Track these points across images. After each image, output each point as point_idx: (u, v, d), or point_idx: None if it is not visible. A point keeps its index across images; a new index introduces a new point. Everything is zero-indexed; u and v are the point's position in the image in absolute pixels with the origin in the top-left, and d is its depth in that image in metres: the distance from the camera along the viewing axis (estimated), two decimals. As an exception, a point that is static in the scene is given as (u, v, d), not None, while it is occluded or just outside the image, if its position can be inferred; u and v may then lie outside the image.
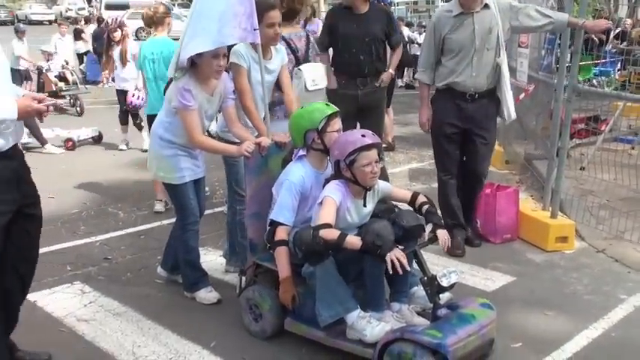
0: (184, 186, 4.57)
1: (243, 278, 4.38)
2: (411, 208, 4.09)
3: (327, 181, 3.93)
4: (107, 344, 4.12)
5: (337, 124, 4.05)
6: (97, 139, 10.91)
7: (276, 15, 4.64)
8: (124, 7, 33.01)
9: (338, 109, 4.09)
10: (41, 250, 5.58)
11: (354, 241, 3.56)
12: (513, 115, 5.58)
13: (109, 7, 35.74)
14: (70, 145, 10.47)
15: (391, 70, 6.84)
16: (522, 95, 7.74)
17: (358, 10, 6.37)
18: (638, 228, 5.75)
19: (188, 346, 4.09)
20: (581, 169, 7.49)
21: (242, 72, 4.60)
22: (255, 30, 4.40)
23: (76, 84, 14.17)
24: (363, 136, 3.78)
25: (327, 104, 4.13)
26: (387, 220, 3.76)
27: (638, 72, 8.41)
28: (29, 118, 5.16)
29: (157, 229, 6.41)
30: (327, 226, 3.63)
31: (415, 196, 4.12)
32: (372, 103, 6.57)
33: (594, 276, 5.16)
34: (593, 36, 10.33)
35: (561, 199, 6.01)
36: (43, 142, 10.17)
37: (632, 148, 8.12)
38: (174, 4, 35.62)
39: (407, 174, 8.59)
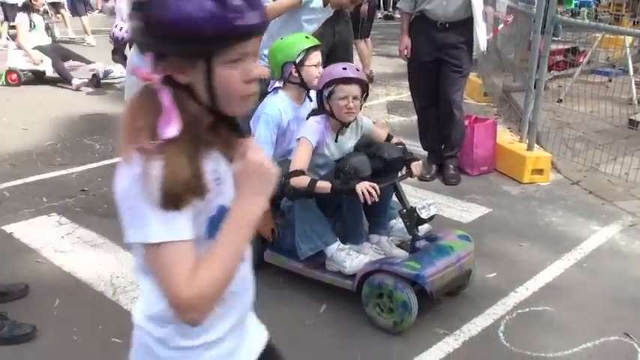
0: None
1: None
2: None
3: (311, 114, 3.86)
4: (85, 275, 4.12)
5: (316, 57, 3.97)
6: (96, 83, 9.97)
7: None
8: None
9: (319, 43, 4.01)
10: (17, 182, 5.66)
11: (324, 185, 3.53)
12: (482, 47, 5.56)
13: None
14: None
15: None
16: (501, 26, 7.69)
17: None
18: (613, 160, 5.81)
19: (167, 277, 4.11)
20: (558, 101, 7.51)
21: None
22: None
23: (47, 13, 13.81)
24: (344, 69, 3.70)
25: (307, 37, 4.05)
26: (364, 153, 3.75)
27: (617, 3, 8.34)
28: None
29: (133, 161, 6.35)
30: (299, 172, 3.59)
31: (390, 137, 4.09)
32: (345, 39, 6.01)
33: (568, 208, 5.23)
34: None
35: (538, 131, 6.04)
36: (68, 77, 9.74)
37: (610, 81, 8.12)
38: None
39: (385, 106, 8.56)
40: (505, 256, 4.41)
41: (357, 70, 3.74)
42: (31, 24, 9.82)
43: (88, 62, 9.90)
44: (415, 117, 6.19)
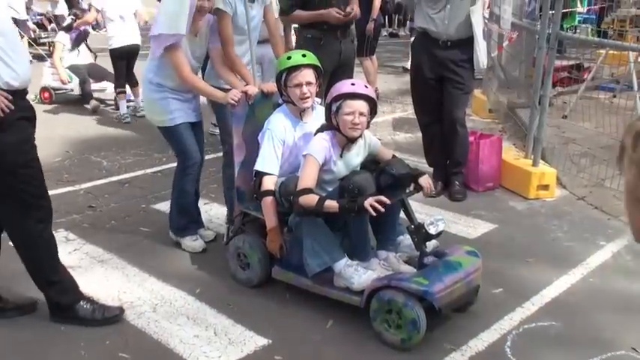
0: (178, 128, 4.51)
1: (231, 227, 4.39)
2: None
3: (319, 130, 3.87)
4: (93, 291, 4.12)
5: (302, 77, 3.92)
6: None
7: None
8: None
9: (308, 62, 3.97)
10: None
11: (332, 204, 3.53)
12: (482, 65, 5.60)
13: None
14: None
15: (375, 17, 6.72)
16: (506, 43, 7.72)
17: None
18: (618, 175, 5.80)
19: (173, 292, 4.13)
20: (563, 117, 7.53)
21: (225, 18, 4.51)
22: None
23: (55, 31, 13.95)
24: (352, 84, 3.70)
25: (303, 54, 4.01)
26: (371, 170, 3.77)
27: (621, 19, 8.38)
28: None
29: (140, 178, 6.41)
30: (307, 191, 3.60)
31: (395, 157, 4.11)
32: (349, 57, 5.95)
33: (574, 223, 5.23)
34: None
35: (543, 147, 6.06)
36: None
37: (614, 96, 8.14)
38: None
39: (390, 123, 8.59)
40: (511, 272, 4.41)
41: (366, 86, 3.74)
42: (72, 46, 9.70)
43: (110, 80, 9.63)
44: (420, 134, 6.21)
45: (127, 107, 8.98)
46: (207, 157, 6.52)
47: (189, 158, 4.61)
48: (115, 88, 9.01)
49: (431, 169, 5.92)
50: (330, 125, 3.77)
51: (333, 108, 3.70)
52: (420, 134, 6.24)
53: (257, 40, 4.82)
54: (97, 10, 8.95)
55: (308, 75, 3.94)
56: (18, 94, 3.45)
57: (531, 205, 5.61)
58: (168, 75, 4.42)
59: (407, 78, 6.27)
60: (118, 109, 9.05)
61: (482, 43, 5.52)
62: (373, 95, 3.75)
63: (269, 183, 3.94)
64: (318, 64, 4.04)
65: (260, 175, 3.98)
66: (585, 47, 8.84)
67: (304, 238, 3.74)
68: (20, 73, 3.45)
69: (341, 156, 3.80)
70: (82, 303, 3.79)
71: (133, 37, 8.68)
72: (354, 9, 5.64)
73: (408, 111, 8.84)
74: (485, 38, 5.73)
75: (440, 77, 5.60)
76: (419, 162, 5.97)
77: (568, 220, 5.28)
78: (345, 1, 5.69)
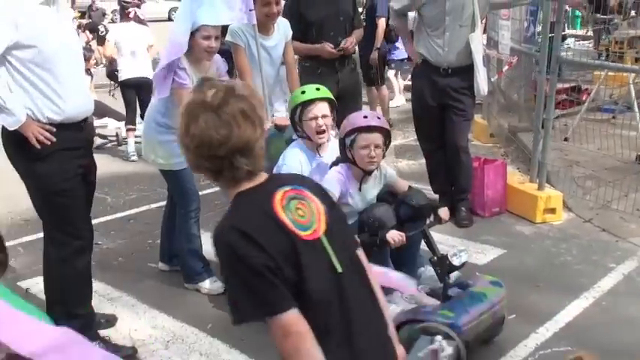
0: (185, 171, 4.45)
1: None
2: None
3: (334, 163, 3.87)
4: (103, 330, 4.11)
5: (316, 111, 3.94)
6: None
7: None
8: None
9: (323, 96, 3.99)
10: (30, 237, 5.67)
11: None
12: (482, 92, 5.63)
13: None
14: None
15: (378, 45, 6.75)
16: (506, 68, 7.76)
17: None
18: (624, 197, 5.81)
19: (185, 329, 4.11)
20: (565, 139, 7.55)
21: (239, 50, 4.59)
22: (250, 11, 4.38)
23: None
24: (365, 117, 3.70)
25: (317, 88, 4.03)
26: (389, 202, 3.75)
27: (619, 41, 8.44)
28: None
29: (145, 213, 6.40)
30: None
31: (411, 188, 4.11)
32: (352, 87, 5.91)
33: (583, 246, 5.22)
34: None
35: (548, 170, 6.06)
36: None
37: (614, 117, 8.16)
38: (148, -15, 35.13)
39: (392, 151, 8.59)
40: (523, 297, 4.39)
41: (379, 117, 3.74)
42: None
43: (119, 119, 9.51)
44: (423, 160, 6.22)
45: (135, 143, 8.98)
46: (209, 190, 6.56)
47: (192, 202, 4.59)
48: (125, 123, 8.95)
49: (436, 196, 5.91)
50: (346, 158, 3.76)
51: (347, 142, 3.69)
52: (422, 161, 6.25)
53: (278, 70, 4.86)
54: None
55: (323, 108, 3.94)
56: (64, 127, 3.52)
57: (539, 229, 5.60)
58: (177, 115, 4.35)
59: (406, 105, 6.30)
60: (119, 145, 9.03)
61: (483, 70, 5.55)
62: (387, 126, 3.74)
63: None
64: (332, 98, 4.05)
65: None
66: (584, 69, 8.89)
67: None
68: (65, 109, 3.55)
69: (360, 189, 3.79)
70: (94, 343, 3.76)
71: (143, 70, 8.57)
72: (349, 43, 5.66)
73: (409, 137, 8.86)
74: (484, 64, 5.75)
75: (441, 104, 5.62)
76: (424, 189, 5.95)
77: (576, 244, 5.27)
78: (343, 33, 5.71)
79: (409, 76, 8.82)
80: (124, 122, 9.19)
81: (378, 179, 3.91)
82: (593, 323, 4.06)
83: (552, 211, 5.74)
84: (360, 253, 2.29)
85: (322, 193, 2.21)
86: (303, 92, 4.01)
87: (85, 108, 3.75)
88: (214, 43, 4.29)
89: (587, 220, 5.72)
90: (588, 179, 6.50)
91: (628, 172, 6.52)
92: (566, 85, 8.66)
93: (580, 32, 14.19)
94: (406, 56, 8.43)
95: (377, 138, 3.67)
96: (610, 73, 8.29)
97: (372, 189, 3.89)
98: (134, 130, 8.86)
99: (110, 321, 4.21)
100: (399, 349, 2.25)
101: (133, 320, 4.25)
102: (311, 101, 3.95)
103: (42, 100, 3.51)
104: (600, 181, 6.25)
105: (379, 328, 2.20)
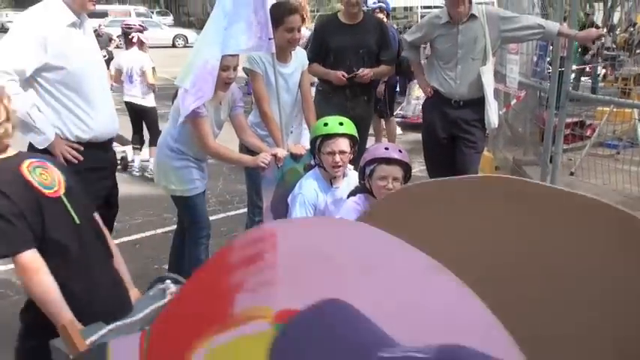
0: (197, 197, 4.45)
1: None
2: None
3: (351, 193, 3.83)
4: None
5: (336, 146, 3.92)
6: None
7: (296, 19, 4.65)
8: (102, 14, 32.86)
9: (344, 132, 3.95)
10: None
11: None
12: (493, 125, 5.65)
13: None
14: None
15: (384, 79, 6.81)
16: (514, 101, 7.81)
17: (351, 21, 5.93)
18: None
19: (194, 356, 4.06)
20: (571, 174, 7.57)
21: (257, 77, 4.61)
22: (270, 39, 4.36)
23: None
24: (386, 148, 3.67)
25: (340, 123, 3.98)
26: None
27: (624, 77, 8.52)
28: None
29: (151, 238, 6.39)
30: None
31: None
32: (360, 117, 5.81)
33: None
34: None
35: (555, 204, 6.06)
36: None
37: (618, 153, 8.20)
38: (152, 12, 35.49)
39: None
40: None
41: (400, 151, 3.69)
42: None
43: (124, 143, 9.58)
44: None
45: (141, 162, 9.04)
46: (217, 216, 6.57)
47: (203, 228, 4.57)
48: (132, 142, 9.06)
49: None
50: (364, 188, 3.75)
51: (367, 171, 3.68)
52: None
53: (296, 98, 4.92)
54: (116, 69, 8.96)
55: (342, 144, 3.92)
56: (91, 146, 3.57)
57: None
58: (192, 143, 4.35)
59: (413, 136, 6.33)
60: (125, 169, 9.04)
61: (494, 103, 5.58)
62: (407, 160, 3.69)
63: None
64: (355, 134, 4.03)
65: None
66: (589, 104, 8.96)
67: None
68: (93, 127, 3.60)
69: None
70: None
71: (138, 97, 8.72)
72: (363, 73, 5.76)
73: (415, 168, 8.87)
74: (495, 97, 5.81)
75: (452, 136, 5.66)
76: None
77: (584, 277, 5.25)
78: (361, 65, 5.83)
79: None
80: (129, 146, 9.24)
81: None
82: None
83: (560, 245, 5.72)
84: (97, 216, 3.10)
85: (65, 172, 2.90)
86: (325, 124, 3.98)
87: (111, 127, 3.81)
88: (232, 74, 4.29)
89: (595, 254, 5.70)
90: (595, 214, 6.48)
91: (633, 208, 6.46)
92: (569, 120, 8.71)
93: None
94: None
95: (396, 171, 3.61)
96: (615, 110, 8.36)
97: None
98: (138, 149, 9.03)
99: None
100: (133, 291, 3.15)
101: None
102: (331, 135, 3.93)
103: (70, 119, 3.58)
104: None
105: (112, 271, 3.03)
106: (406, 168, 3.68)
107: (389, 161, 3.61)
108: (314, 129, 4.12)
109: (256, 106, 4.81)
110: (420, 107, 10.81)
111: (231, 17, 4.23)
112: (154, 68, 8.88)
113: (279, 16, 4.54)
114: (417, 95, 11.29)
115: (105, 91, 3.94)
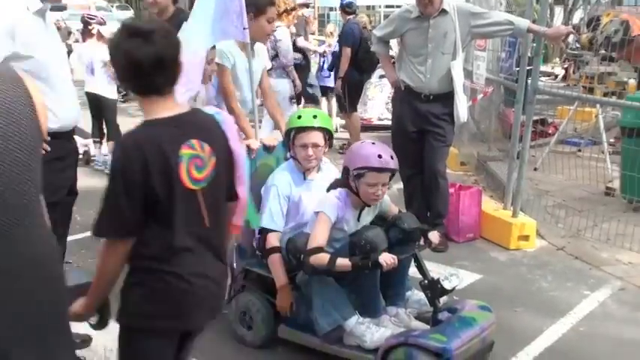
0: None
1: (232, 285, 4.27)
2: None
3: (332, 186, 3.79)
4: (79, 351, 3.96)
5: (308, 139, 3.90)
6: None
7: (274, 11, 4.66)
8: (61, 8, 32.20)
9: (318, 125, 3.92)
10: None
11: (344, 263, 3.45)
12: (462, 119, 5.70)
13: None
14: None
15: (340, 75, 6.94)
16: (480, 96, 7.88)
17: None
18: (594, 226, 5.92)
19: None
20: (534, 169, 7.68)
21: (225, 72, 4.52)
22: (244, 29, 4.34)
23: None
24: (379, 156, 3.54)
25: (314, 115, 3.97)
26: (380, 225, 3.73)
27: (590, 76, 8.68)
28: None
29: (117, 232, 6.28)
30: (319, 250, 3.51)
31: (401, 211, 4.10)
32: None
33: (557, 273, 5.29)
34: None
35: (521, 198, 6.15)
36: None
37: (579, 150, 8.35)
38: (112, 6, 34.97)
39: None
40: (502, 322, 4.36)
41: (392, 157, 3.61)
42: None
43: (86, 137, 9.19)
44: (398, 185, 6.26)
45: (103, 156, 8.88)
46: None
47: None
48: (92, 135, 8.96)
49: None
50: (346, 186, 3.69)
51: (354, 172, 3.59)
52: (397, 186, 6.29)
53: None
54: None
55: (315, 137, 3.89)
56: (57, 136, 3.49)
57: (513, 255, 5.67)
58: None
59: (382, 133, 6.35)
60: (87, 163, 8.90)
61: (463, 98, 5.63)
62: (396, 167, 3.65)
63: (274, 239, 3.87)
64: (329, 127, 4.02)
65: (265, 231, 3.91)
66: (550, 103, 9.11)
67: (313, 297, 3.64)
68: (61, 117, 3.51)
69: (358, 219, 3.73)
70: None
71: (99, 88, 8.61)
72: None
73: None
74: (465, 92, 5.85)
75: (421, 130, 5.68)
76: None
77: (550, 270, 5.34)
78: None
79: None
80: (90, 140, 9.14)
81: (374, 207, 3.85)
82: (572, 348, 4.12)
83: (526, 238, 5.82)
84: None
85: None
86: (299, 117, 3.98)
87: (76, 116, 3.74)
88: (209, 68, 4.29)
89: (559, 247, 5.81)
90: (559, 208, 6.62)
91: (597, 203, 6.65)
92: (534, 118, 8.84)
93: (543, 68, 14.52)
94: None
95: (385, 177, 3.59)
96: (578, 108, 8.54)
97: (367, 216, 3.82)
98: (98, 142, 8.92)
99: (86, 341, 4.10)
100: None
101: (107, 341, 4.13)
102: (305, 128, 3.91)
103: None
104: (571, 211, 6.36)
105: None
106: (394, 172, 3.66)
107: (382, 170, 3.56)
108: (288, 121, 4.10)
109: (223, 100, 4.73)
110: (375, 109, 11.01)
111: (208, 10, 4.23)
112: None
113: (263, 5, 4.50)
114: (372, 96, 11.23)
115: (68, 81, 3.89)
